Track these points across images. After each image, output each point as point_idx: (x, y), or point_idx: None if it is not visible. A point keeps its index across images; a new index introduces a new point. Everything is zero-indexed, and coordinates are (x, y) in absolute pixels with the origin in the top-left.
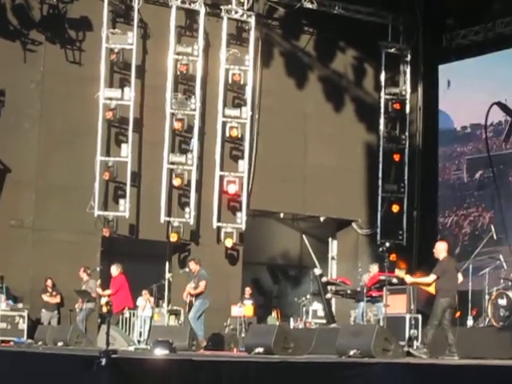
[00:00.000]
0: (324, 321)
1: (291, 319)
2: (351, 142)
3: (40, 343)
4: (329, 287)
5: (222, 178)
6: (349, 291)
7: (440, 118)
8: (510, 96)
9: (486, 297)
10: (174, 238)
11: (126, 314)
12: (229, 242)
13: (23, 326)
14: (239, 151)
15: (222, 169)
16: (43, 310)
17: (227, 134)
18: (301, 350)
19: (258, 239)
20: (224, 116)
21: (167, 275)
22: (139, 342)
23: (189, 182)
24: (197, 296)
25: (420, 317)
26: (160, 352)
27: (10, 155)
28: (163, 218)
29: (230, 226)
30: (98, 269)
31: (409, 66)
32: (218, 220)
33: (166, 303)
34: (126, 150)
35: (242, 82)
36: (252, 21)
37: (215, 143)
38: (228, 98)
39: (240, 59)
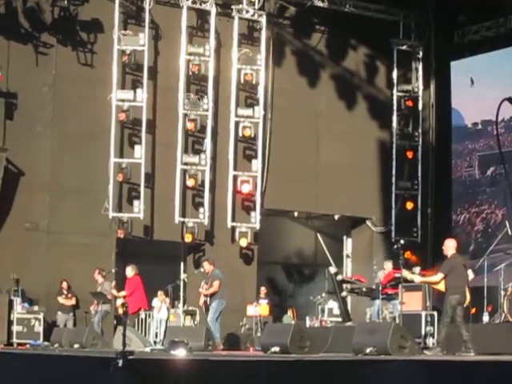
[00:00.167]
0: (340, 319)
1: (307, 318)
2: (364, 139)
3: (56, 345)
4: (344, 285)
5: (235, 177)
6: (364, 289)
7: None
8: None
9: (502, 293)
10: (188, 238)
11: (142, 314)
12: (243, 242)
13: (39, 328)
14: (252, 151)
15: (235, 168)
16: (59, 313)
17: (240, 134)
18: (317, 349)
19: (272, 238)
20: (237, 116)
21: (182, 276)
22: (155, 342)
23: (202, 182)
24: (212, 296)
25: (436, 314)
26: (177, 352)
27: (23, 158)
28: (177, 218)
29: (244, 225)
30: (113, 270)
31: (421, 63)
32: (233, 220)
33: (181, 304)
34: (140, 152)
35: (254, 82)
36: (263, 20)
37: (228, 143)
38: (240, 97)
39: (252, 59)
